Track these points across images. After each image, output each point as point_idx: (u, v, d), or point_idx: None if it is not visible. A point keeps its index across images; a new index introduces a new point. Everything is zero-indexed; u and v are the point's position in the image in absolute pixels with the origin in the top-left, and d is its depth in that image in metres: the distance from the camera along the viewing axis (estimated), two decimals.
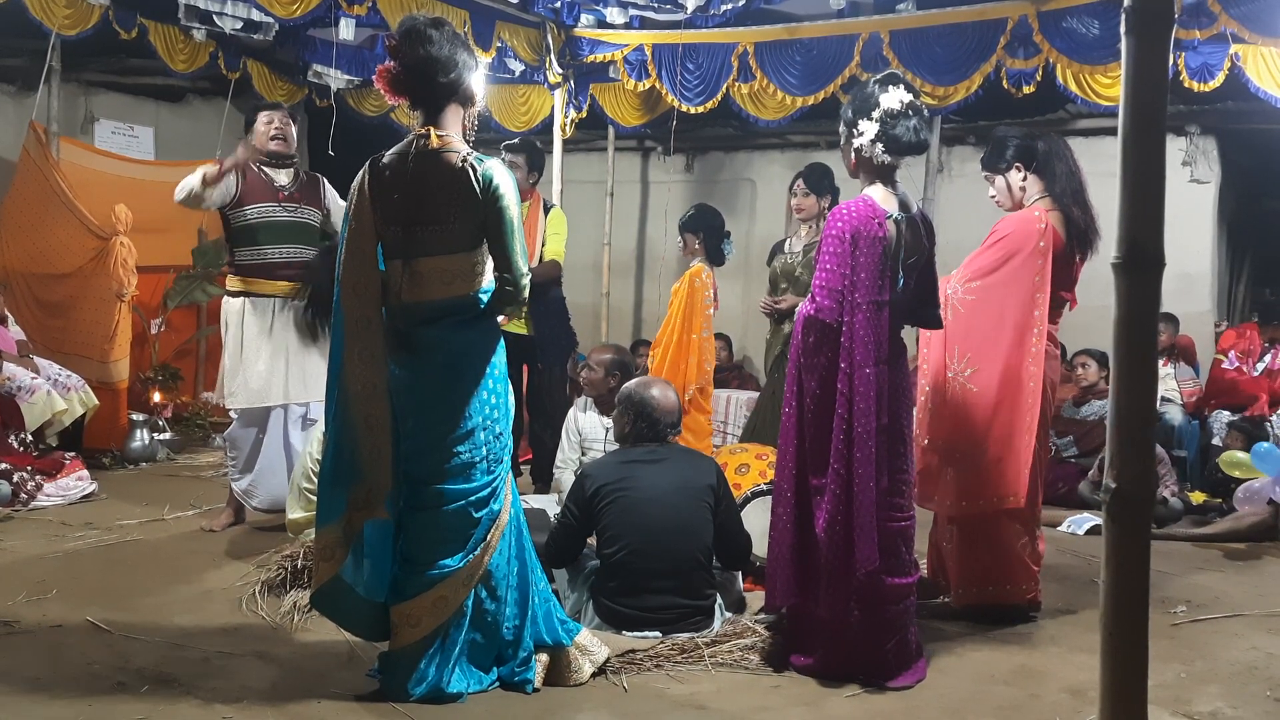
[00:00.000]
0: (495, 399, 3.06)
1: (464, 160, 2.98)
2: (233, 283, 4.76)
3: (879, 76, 3.40)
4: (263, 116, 4.77)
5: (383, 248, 3.04)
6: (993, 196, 4.08)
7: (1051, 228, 3.81)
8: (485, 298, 3.06)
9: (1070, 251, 3.89)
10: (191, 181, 4.48)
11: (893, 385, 3.29)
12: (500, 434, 3.09)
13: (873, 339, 3.20)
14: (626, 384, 3.89)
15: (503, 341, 3.15)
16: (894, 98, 3.28)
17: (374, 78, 3.08)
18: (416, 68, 3.01)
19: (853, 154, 3.39)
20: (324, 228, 4.81)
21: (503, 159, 5.12)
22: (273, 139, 4.72)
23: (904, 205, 3.37)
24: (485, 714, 2.95)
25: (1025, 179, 3.96)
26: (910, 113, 3.29)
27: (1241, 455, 5.46)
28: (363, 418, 2.98)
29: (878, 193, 3.36)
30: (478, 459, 3.03)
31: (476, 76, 3.14)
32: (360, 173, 3.08)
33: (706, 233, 5.30)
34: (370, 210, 3.01)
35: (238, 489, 4.84)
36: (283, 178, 4.74)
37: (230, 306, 4.77)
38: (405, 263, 2.99)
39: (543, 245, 5.64)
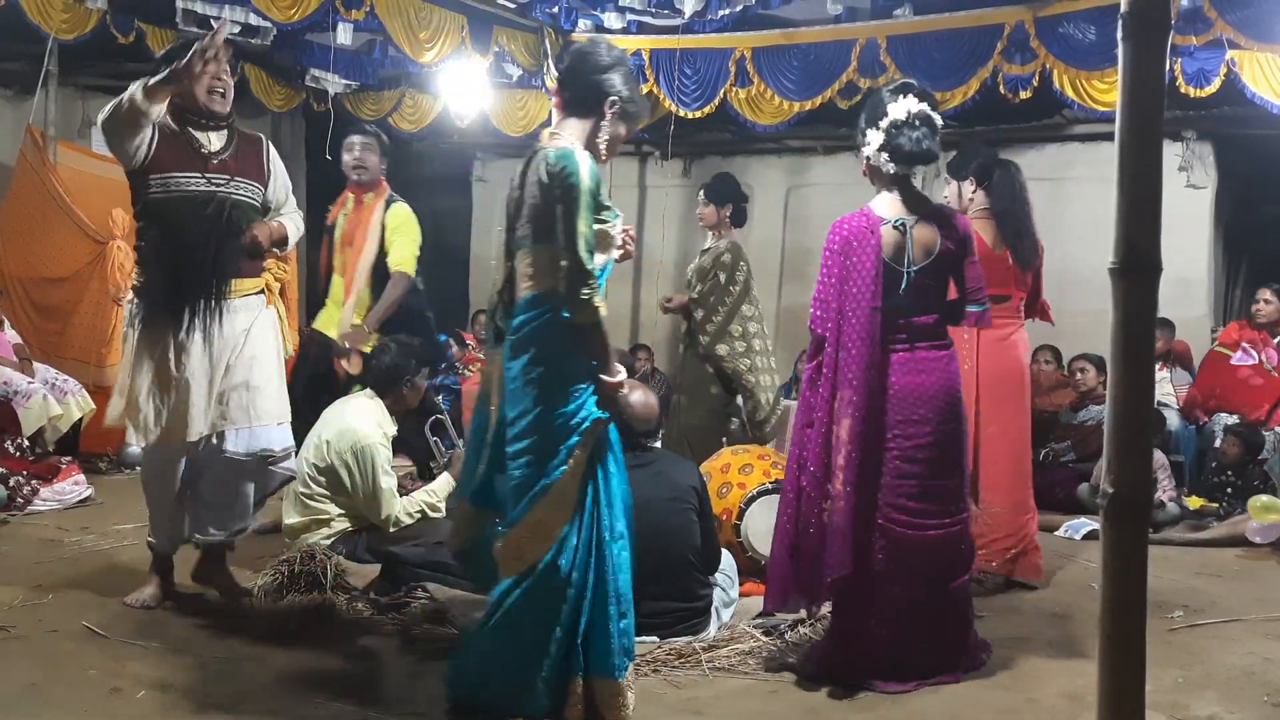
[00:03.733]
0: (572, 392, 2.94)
1: (537, 152, 2.97)
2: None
3: (892, 85, 3.44)
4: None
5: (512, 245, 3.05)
6: (945, 197, 4.51)
7: (976, 233, 3.96)
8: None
9: (999, 254, 4.41)
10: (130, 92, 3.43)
11: (917, 389, 3.30)
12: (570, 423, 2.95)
13: (865, 345, 3.24)
14: None
15: None
16: (901, 108, 3.32)
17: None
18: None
19: (865, 162, 3.45)
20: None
21: (353, 141, 5.08)
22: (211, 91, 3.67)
23: (917, 209, 3.39)
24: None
25: (975, 192, 4.50)
26: (917, 123, 3.32)
27: (1269, 500, 5.39)
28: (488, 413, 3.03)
29: (881, 201, 3.42)
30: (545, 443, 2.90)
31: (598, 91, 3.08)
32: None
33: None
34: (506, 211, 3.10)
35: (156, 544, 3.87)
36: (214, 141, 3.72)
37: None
38: (512, 259, 3.02)
39: (381, 253, 5.00)
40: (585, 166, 2.87)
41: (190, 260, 3.59)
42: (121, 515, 5.08)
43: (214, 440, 3.73)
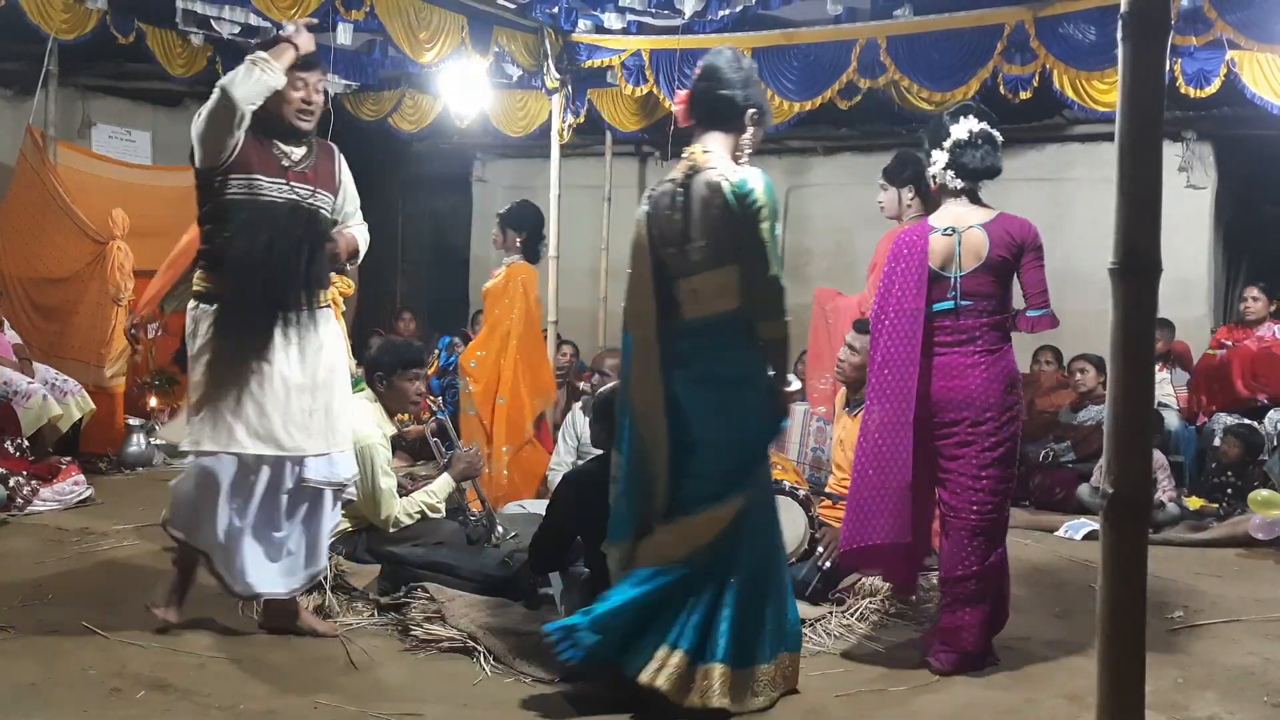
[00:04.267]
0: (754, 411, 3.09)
1: (720, 177, 3.03)
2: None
3: (952, 108, 3.67)
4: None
5: (665, 268, 3.12)
6: (880, 202, 4.72)
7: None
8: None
9: None
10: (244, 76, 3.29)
11: (960, 390, 3.46)
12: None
13: (902, 340, 3.50)
14: (602, 389, 3.89)
15: None
16: (963, 128, 3.56)
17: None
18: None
19: (932, 180, 3.67)
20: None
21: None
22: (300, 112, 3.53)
23: (974, 218, 3.54)
24: (483, 718, 2.95)
25: (913, 198, 4.62)
26: (980, 141, 3.54)
27: (1269, 494, 5.40)
28: (647, 435, 3.09)
29: (942, 212, 3.64)
30: (734, 468, 3.07)
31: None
32: (640, 209, 3.20)
33: (530, 231, 5.35)
34: (647, 235, 3.13)
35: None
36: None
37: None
38: (683, 280, 3.08)
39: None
40: (763, 185, 2.98)
41: (282, 268, 3.38)
42: (121, 515, 5.08)
43: (292, 466, 3.44)
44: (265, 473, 3.41)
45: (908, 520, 3.45)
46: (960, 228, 3.51)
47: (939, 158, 3.58)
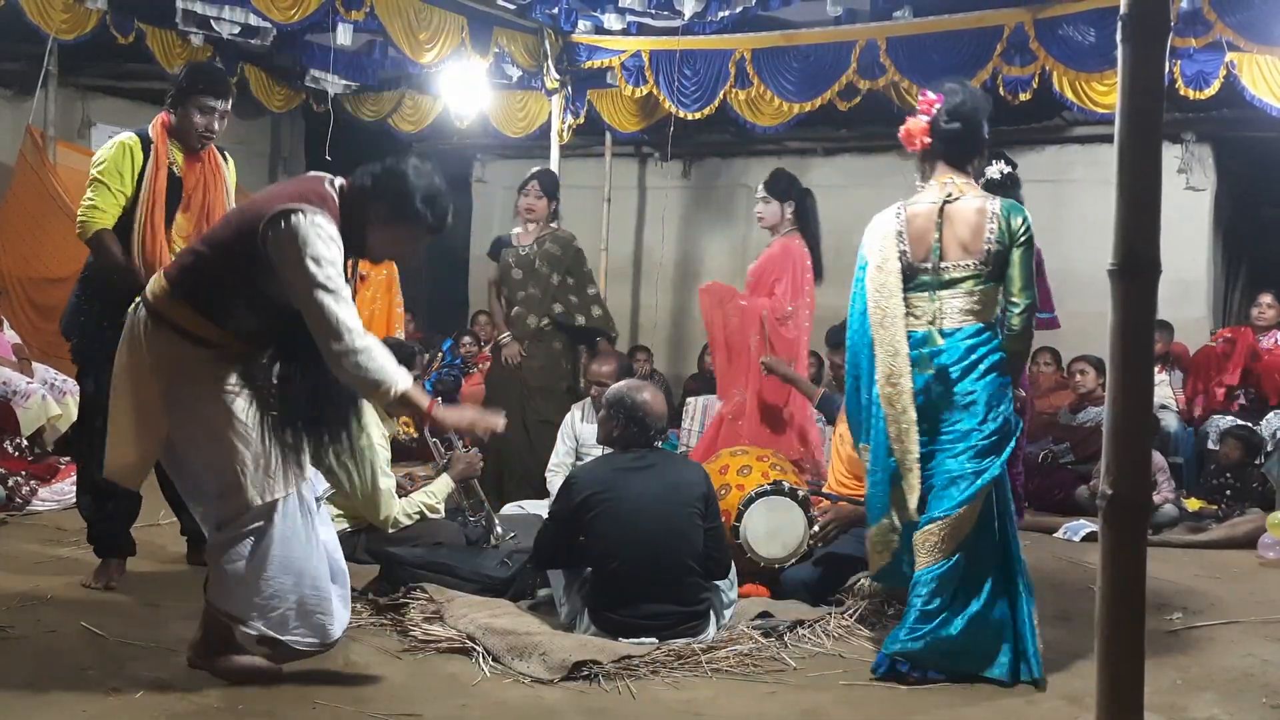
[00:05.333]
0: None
1: (989, 204, 3.41)
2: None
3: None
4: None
5: (914, 282, 3.45)
6: (758, 213, 5.15)
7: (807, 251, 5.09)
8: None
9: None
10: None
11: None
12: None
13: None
14: (615, 386, 3.89)
15: None
16: (995, 170, 4.26)
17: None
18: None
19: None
20: None
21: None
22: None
23: None
24: (482, 718, 2.95)
25: (791, 214, 5.09)
26: (1009, 182, 4.28)
27: None
28: (895, 433, 3.37)
29: None
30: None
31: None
32: (883, 224, 3.51)
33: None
34: (897, 249, 3.44)
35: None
36: None
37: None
38: (938, 292, 3.42)
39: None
40: (1026, 216, 3.42)
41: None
42: None
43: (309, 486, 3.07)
44: (307, 497, 3.05)
45: None
46: None
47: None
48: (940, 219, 3.40)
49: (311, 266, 2.76)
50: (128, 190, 3.87)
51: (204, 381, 2.92)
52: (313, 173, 3.09)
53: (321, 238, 2.78)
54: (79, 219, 3.86)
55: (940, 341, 3.39)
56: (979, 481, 3.30)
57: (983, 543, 3.35)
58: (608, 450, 3.77)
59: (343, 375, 2.83)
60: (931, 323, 3.41)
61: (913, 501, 3.34)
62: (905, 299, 3.42)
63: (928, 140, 3.48)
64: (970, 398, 3.36)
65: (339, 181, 3.01)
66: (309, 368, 2.94)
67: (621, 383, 3.91)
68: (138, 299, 3.02)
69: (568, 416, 5.24)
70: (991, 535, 3.37)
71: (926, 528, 3.32)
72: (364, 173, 2.98)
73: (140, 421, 2.98)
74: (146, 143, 3.93)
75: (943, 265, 3.40)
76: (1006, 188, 4.15)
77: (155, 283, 3.00)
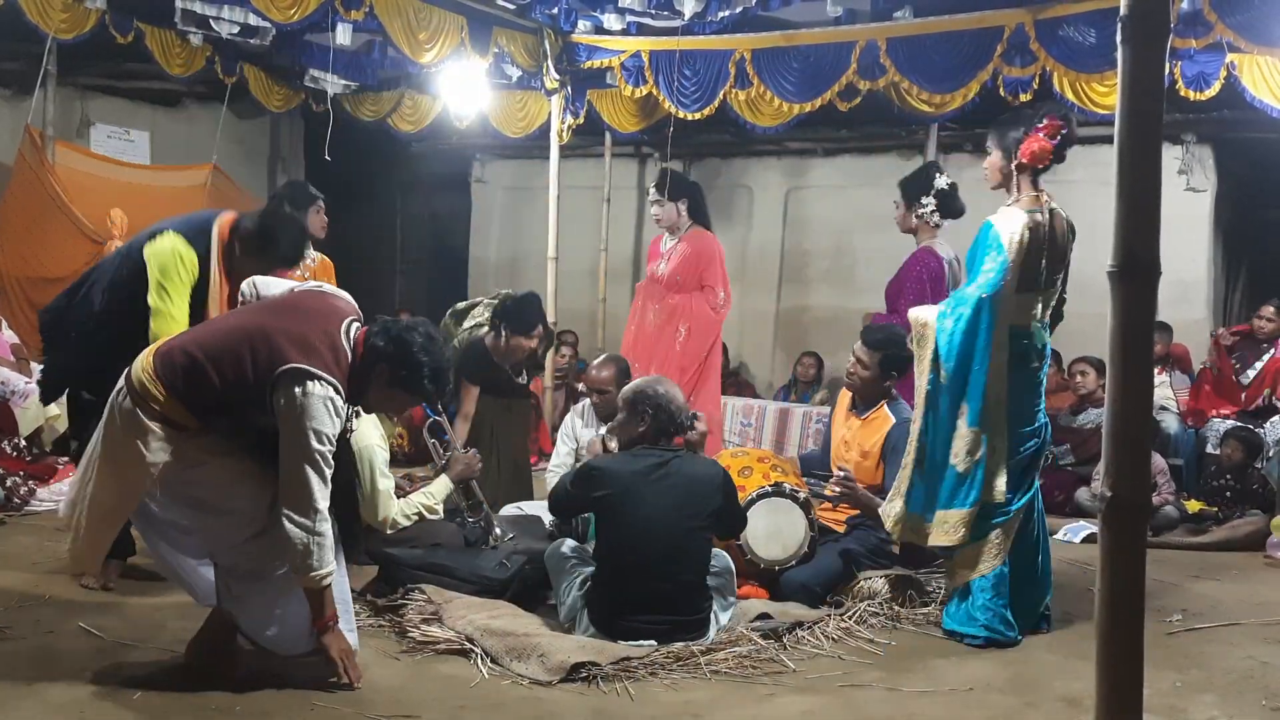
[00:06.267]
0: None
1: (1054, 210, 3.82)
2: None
3: (927, 164, 5.02)
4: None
5: (1024, 281, 3.73)
6: (655, 215, 5.69)
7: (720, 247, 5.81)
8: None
9: None
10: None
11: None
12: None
13: None
14: (630, 386, 3.87)
15: None
16: (944, 180, 4.98)
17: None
18: None
19: (918, 219, 5.02)
20: None
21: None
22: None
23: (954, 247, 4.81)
24: (479, 718, 2.95)
25: (685, 210, 5.62)
26: (953, 190, 4.96)
27: None
28: (992, 422, 3.72)
29: (938, 243, 5.03)
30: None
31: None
32: (1020, 228, 3.73)
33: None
34: (1021, 254, 3.70)
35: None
36: None
37: None
38: (1036, 292, 3.78)
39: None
40: None
41: None
42: None
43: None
44: None
45: None
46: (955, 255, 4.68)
47: (928, 202, 4.96)
48: (1048, 227, 3.74)
49: (311, 439, 2.86)
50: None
51: (190, 452, 2.96)
52: (333, 303, 3.11)
53: (329, 411, 2.89)
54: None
55: (1025, 334, 3.80)
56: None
57: None
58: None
59: (285, 538, 2.90)
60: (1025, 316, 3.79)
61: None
62: (1029, 297, 3.77)
63: (1049, 160, 3.77)
64: (1040, 386, 3.93)
65: (354, 328, 3.04)
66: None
67: (634, 382, 3.91)
68: (121, 388, 2.99)
69: (567, 418, 5.23)
70: None
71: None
72: (380, 332, 3.03)
73: (119, 510, 3.05)
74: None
75: (1040, 267, 3.76)
76: (952, 198, 4.89)
77: (142, 376, 2.94)
